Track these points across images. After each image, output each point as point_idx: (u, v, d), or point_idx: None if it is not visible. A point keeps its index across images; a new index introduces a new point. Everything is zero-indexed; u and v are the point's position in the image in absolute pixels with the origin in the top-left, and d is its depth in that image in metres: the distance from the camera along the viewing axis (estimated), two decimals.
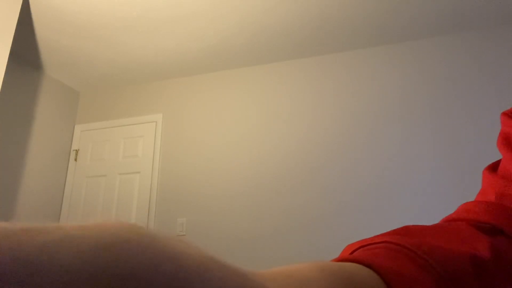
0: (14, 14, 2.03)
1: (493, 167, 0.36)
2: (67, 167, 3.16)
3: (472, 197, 2.29)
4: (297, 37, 2.69)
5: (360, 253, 0.23)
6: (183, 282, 0.09)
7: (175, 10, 2.37)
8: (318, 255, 2.41)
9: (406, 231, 0.27)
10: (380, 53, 2.78)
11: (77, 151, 3.20)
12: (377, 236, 0.26)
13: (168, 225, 2.77)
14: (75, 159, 3.18)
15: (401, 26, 2.57)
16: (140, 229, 0.10)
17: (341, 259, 0.23)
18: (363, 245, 0.26)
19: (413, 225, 0.28)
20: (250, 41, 2.71)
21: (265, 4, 2.33)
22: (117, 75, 3.14)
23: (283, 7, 2.37)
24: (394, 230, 0.27)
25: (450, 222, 0.32)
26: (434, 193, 2.36)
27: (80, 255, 0.08)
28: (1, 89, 2.62)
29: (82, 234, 0.09)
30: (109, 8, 2.33)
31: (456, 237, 0.27)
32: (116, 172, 3.05)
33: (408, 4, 2.36)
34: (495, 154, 2.31)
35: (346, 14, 2.45)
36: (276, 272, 0.15)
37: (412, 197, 2.38)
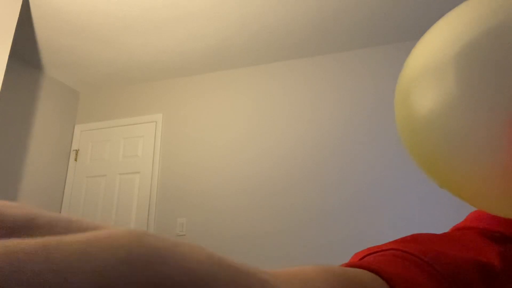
0: (14, 14, 2.03)
1: None
2: (67, 167, 3.16)
3: None
4: (297, 37, 2.69)
5: (366, 260, 0.23)
6: None
7: (175, 10, 2.37)
8: (318, 254, 2.41)
9: (413, 239, 0.27)
10: (378, 53, 2.78)
11: (77, 151, 3.20)
12: (384, 244, 0.26)
13: (168, 225, 2.77)
14: (75, 159, 3.18)
15: (400, 26, 2.57)
16: (148, 239, 0.10)
17: (347, 266, 0.23)
18: (370, 252, 0.26)
19: (420, 233, 0.28)
20: (250, 41, 2.71)
21: (265, 4, 2.33)
22: (117, 75, 3.14)
23: (283, 7, 2.37)
24: (402, 238, 0.27)
25: (459, 230, 0.32)
26: (432, 193, 2.36)
27: (97, 273, 0.09)
28: (1, 89, 2.62)
29: (94, 252, 0.09)
30: (109, 8, 2.33)
31: (464, 245, 0.27)
32: (116, 172, 3.05)
33: (407, 4, 2.36)
34: None
35: (346, 14, 2.45)
36: (281, 272, 0.16)
37: (410, 197, 2.39)
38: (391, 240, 2.31)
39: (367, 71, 2.77)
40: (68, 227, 0.11)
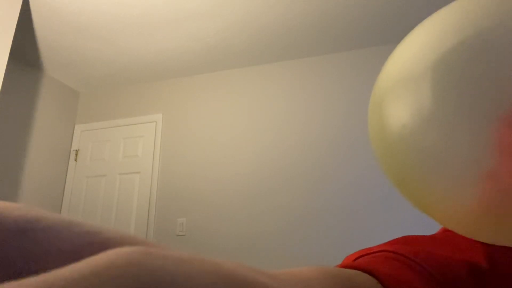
0: (14, 14, 2.03)
1: None
2: (67, 167, 3.16)
3: None
4: (297, 38, 2.69)
5: (360, 261, 0.24)
6: None
7: (175, 10, 2.37)
8: (318, 254, 2.41)
9: (404, 241, 0.27)
10: (376, 54, 2.78)
11: (77, 151, 3.21)
12: (376, 246, 0.26)
13: (168, 225, 2.77)
14: (75, 159, 3.18)
15: (399, 27, 2.57)
16: (151, 262, 0.09)
17: (341, 267, 0.23)
18: (362, 254, 0.26)
19: (411, 235, 0.29)
20: (250, 41, 2.71)
21: (265, 3, 2.33)
22: (117, 75, 3.14)
23: (283, 7, 2.37)
24: (393, 240, 0.28)
25: (448, 231, 0.32)
26: None
27: None
28: (1, 89, 2.62)
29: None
30: (109, 8, 2.33)
31: (453, 246, 0.28)
32: (116, 172, 3.05)
33: (405, 5, 2.36)
34: None
35: (344, 15, 2.45)
36: (280, 272, 0.16)
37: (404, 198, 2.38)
38: (385, 240, 2.31)
39: (366, 72, 2.77)
40: (69, 231, 0.10)
